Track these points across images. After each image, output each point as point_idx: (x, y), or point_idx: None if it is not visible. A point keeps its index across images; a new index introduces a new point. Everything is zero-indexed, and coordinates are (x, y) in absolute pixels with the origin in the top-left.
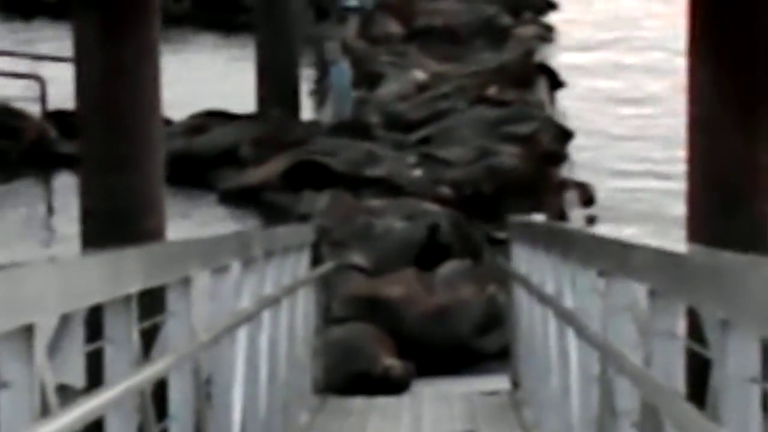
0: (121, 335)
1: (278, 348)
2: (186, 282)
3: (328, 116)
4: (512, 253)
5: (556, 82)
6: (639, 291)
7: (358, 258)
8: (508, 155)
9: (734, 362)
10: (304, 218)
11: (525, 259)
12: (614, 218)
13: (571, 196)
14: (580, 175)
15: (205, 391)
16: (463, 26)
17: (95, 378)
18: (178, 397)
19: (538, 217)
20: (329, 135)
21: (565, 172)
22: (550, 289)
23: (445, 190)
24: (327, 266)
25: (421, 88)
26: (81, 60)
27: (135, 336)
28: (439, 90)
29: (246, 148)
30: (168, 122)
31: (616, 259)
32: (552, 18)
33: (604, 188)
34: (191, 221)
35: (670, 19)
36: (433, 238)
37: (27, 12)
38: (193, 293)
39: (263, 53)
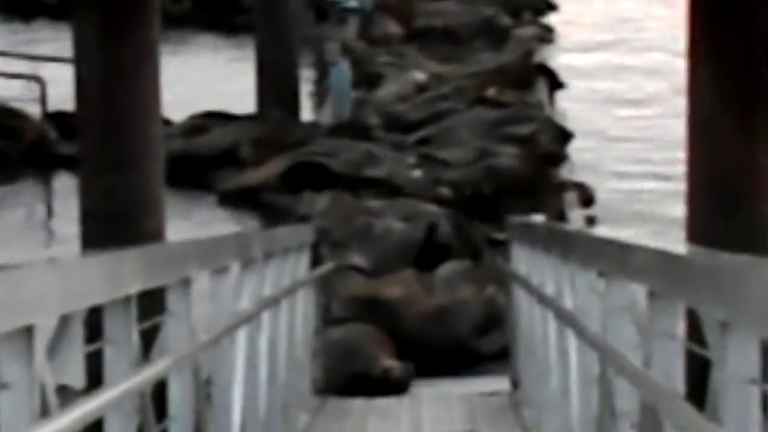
0: (121, 336)
1: (278, 349)
2: (186, 283)
3: (327, 117)
4: (512, 254)
5: (555, 83)
6: (639, 292)
7: (357, 259)
8: (508, 156)
9: (734, 363)
10: (303, 219)
11: (524, 260)
12: (613, 219)
13: (570, 197)
14: (580, 176)
15: (205, 391)
16: (462, 27)
17: (95, 379)
18: (178, 398)
19: (538, 218)
20: (329, 136)
21: (565, 173)
22: (549, 289)
23: (445, 191)
24: (326, 267)
25: (421, 88)
26: (81, 61)
27: (135, 337)
28: (439, 91)
29: (245, 148)
30: (167, 123)
31: (616, 260)
32: (551, 19)
33: (603, 189)
34: (191, 222)
35: (669, 21)
36: (430, 238)
37: (27, 13)
38: (192, 294)
39: (263, 54)
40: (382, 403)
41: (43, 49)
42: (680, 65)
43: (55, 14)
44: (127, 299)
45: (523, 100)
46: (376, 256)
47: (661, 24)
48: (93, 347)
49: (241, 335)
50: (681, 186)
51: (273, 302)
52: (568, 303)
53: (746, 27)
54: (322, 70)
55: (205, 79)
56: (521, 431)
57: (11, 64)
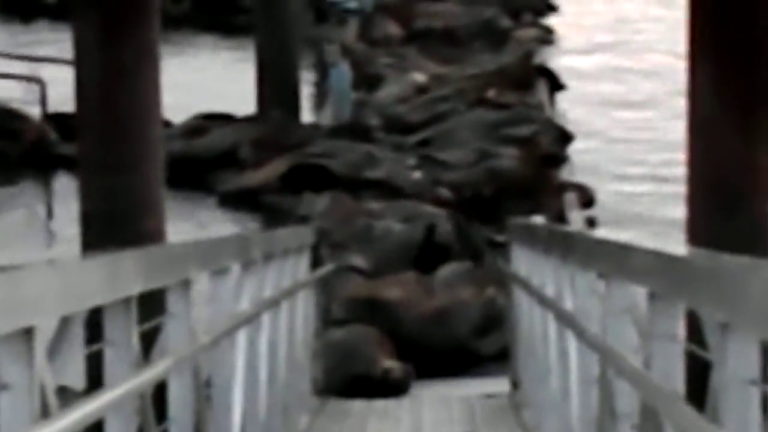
0: (121, 337)
1: (278, 350)
2: (186, 284)
3: (327, 118)
4: (512, 255)
5: (555, 85)
6: (639, 293)
7: (357, 260)
8: (508, 157)
9: (734, 364)
10: (303, 220)
11: (525, 261)
12: (614, 220)
13: (570, 199)
14: (580, 177)
15: (205, 393)
16: (462, 28)
17: (95, 380)
18: (178, 399)
19: (538, 220)
20: (329, 137)
21: (565, 174)
22: (549, 291)
23: (445, 192)
24: (326, 268)
25: (421, 90)
26: (80, 61)
27: (135, 338)
28: (439, 92)
29: (245, 149)
30: (167, 124)
31: (616, 261)
32: (552, 20)
33: (603, 191)
34: (191, 223)
35: (669, 22)
36: (430, 239)
37: (27, 14)
38: (192, 295)
39: (263, 55)
40: (382, 404)
41: (43, 50)
42: (680, 67)
43: (55, 15)
44: (127, 300)
45: (523, 101)
46: (376, 257)
47: (660, 25)
48: (93, 348)
49: (241, 336)
50: (681, 188)
51: (273, 303)
52: (568, 304)
53: (746, 27)
54: (322, 72)
55: (205, 80)
56: None
57: (11, 65)
